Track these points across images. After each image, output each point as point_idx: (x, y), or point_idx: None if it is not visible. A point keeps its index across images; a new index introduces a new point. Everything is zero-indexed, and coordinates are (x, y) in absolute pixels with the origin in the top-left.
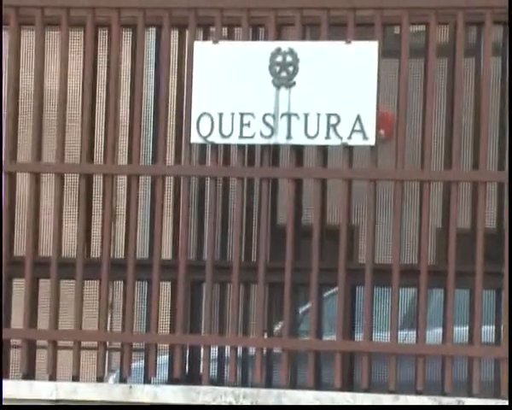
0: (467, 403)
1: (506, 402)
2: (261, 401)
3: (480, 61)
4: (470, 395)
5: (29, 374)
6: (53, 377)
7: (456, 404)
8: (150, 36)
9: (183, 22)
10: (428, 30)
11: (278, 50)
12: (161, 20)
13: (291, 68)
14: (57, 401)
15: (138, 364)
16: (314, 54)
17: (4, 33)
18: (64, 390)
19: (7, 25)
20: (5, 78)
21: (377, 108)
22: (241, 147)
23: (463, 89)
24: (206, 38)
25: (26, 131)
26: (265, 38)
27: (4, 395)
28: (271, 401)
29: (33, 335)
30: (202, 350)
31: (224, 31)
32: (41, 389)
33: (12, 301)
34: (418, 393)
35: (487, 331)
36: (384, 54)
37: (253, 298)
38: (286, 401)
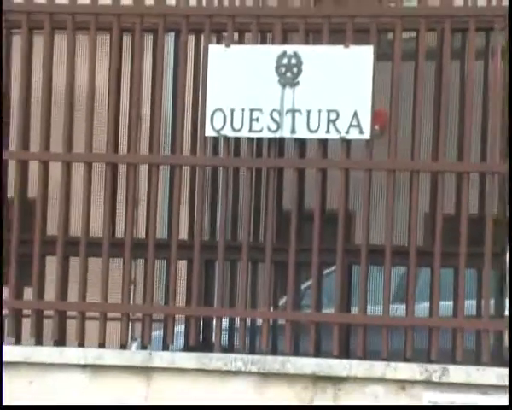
0: (450, 370)
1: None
2: (268, 367)
3: (464, 64)
4: (454, 362)
5: (60, 341)
6: (81, 345)
7: (441, 370)
8: (170, 40)
9: (199, 28)
10: (419, 36)
11: (284, 53)
12: (180, 26)
13: (295, 69)
14: (85, 365)
15: (157, 333)
16: (316, 57)
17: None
18: (91, 356)
19: (40, 29)
20: (43, 78)
21: (372, 106)
22: (250, 140)
23: (449, 88)
24: (219, 42)
25: (58, 126)
26: (272, 42)
27: (38, 360)
28: (276, 367)
29: (64, 307)
30: (214, 321)
31: (236, 36)
32: (70, 355)
33: (45, 277)
34: (407, 360)
35: (469, 305)
36: (379, 57)
37: (260, 275)
38: (289, 367)
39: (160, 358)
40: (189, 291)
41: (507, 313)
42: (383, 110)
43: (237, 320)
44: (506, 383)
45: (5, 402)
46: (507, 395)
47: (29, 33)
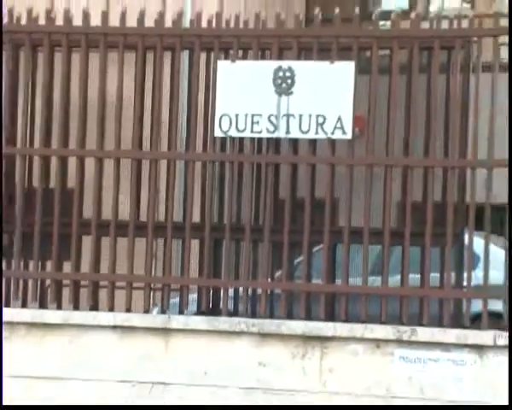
0: (418, 331)
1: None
2: (266, 329)
3: (430, 76)
4: (421, 324)
5: (94, 307)
6: (111, 310)
7: (410, 331)
8: (185, 56)
9: (210, 46)
10: (392, 53)
11: (280, 68)
12: (193, 45)
13: (289, 81)
14: (114, 326)
15: (175, 300)
16: (307, 70)
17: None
18: (120, 319)
19: (77, 47)
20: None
21: (353, 112)
22: (251, 139)
23: (418, 97)
24: (226, 58)
25: (92, 128)
26: (270, 58)
27: (76, 322)
28: (273, 328)
29: (97, 278)
30: (222, 290)
31: (240, 53)
32: (102, 318)
33: (81, 254)
34: (382, 323)
35: (434, 278)
36: (359, 71)
37: (260, 252)
38: (284, 329)
39: (177, 321)
40: (201, 265)
41: (465, 283)
42: (362, 115)
43: (241, 290)
44: (464, 341)
45: (49, 359)
46: (466, 352)
47: (68, 51)
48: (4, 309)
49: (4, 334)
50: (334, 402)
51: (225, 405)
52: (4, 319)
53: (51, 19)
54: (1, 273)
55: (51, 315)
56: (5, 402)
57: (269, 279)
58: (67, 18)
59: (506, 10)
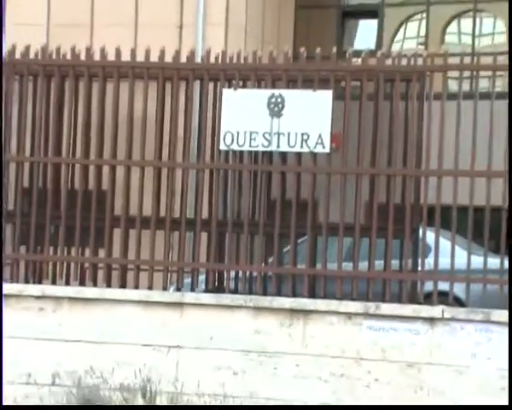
0: (382, 306)
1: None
2: (260, 304)
3: (393, 102)
4: (384, 301)
5: (122, 285)
6: (137, 287)
7: (375, 306)
8: (196, 85)
9: (216, 77)
10: (362, 84)
11: (272, 95)
12: (203, 76)
13: (280, 106)
14: (139, 301)
15: (187, 280)
16: (294, 97)
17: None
18: (143, 294)
19: (110, 77)
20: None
21: (331, 130)
22: (249, 152)
23: (382, 119)
24: (229, 87)
25: (122, 142)
26: (265, 87)
27: (108, 297)
28: (266, 303)
29: (125, 262)
30: (225, 273)
31: (240, 83)
32: (130, 294)
33: (113, 242)
34: (353, 299)
35: (394, 264)
36: (336, 98)
37: (256, 242)
38: (275, 303)
39: (189, 297)
40: (208, 253)
41: (420, 268)
42: (338, 133)
43: (240, 272)
44: (418, 314)
45: (88, 327)
46: (419, 323)
47: (104, 80)
48: (51, 286)
49: (51, 307)
50: (314, 361)
51: (226, 405)
52: (51, 294)
53: (90, 55)
54: (1, 270)
55: (89, 291)
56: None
57: (263, 264)
58: (103, 54)
59: (454, 50)
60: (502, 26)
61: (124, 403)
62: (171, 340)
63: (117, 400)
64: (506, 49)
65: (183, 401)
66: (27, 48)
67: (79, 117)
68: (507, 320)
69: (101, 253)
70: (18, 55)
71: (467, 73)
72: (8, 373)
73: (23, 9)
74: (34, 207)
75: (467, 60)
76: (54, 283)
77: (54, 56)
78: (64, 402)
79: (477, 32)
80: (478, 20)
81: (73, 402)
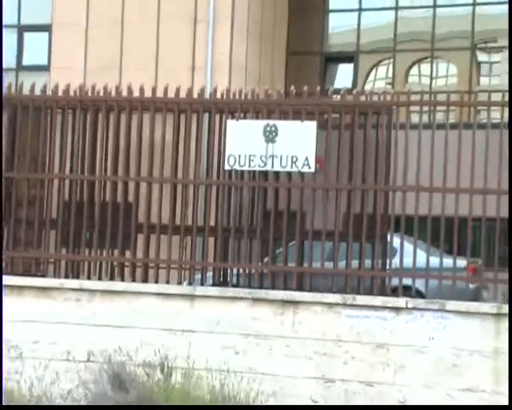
0: (357, 297)
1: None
2: (257, 296)
3: (366, 131)
4: (359, 293)
5: (144, 280)
6: (156, 282)
7: (352, 298)
8: (206, 117)
9: (222, 110)
10: (341, 116)
11: (267, 124)
12: (211, 109)
13: (274, 134)
14: (158, 293)
15: (198, 276)
16: (285, 127)
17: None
18: (162, 288)
19: (135, 109)
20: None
21: (315, 154)
22: (249, 171)
23: (357, 144)
24: (232, 118)
25: (145, 163)
26: (262, 118)
27: (133, 290)
28: (262, 295)
29: (147, 261)
30: (229, 270)
31: (242, 114)
32: (150, 287)
33: (137, 245)
34: (334, 292)
35: (367, 263)
36: (319, 128)
37: (254, 245)
38: (269, 295)
39: (199, 290)
40: (215, 254)
41: (388, 266)
42: (321, 156)
43: (241, 270)
44: (386, 305)
45: (116, 314)
46: (387, 312)
47: (130, 112)
48: (87, 281)
49: (86, 298)
50: (301, 343)
51: (226, 405)
52: (87, 287)
53: (119, 92)
54: (1, 273)
55: (117, 285)
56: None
57: (259, 263)
58: (130, 91)
59: (415, 89)
60: (454, 69)
61: (145, 377)
62: (185, 325)
63: (140, 374)
64: (458, 88)
65: (195, 375)
66: (67, 87)
67: (110, 142)
68: (459, 309)
69: (127, 254)
70: (60, 93)
71: (426, 108)
72: (49, 351)
73: (64, 56)
74: (73, 216)
75: (426, 97)
76: (89, 278)
77: (89, 93)
78: (97, 376)
79: (434, 74)
80: (434, 65)
81: (105, 377)
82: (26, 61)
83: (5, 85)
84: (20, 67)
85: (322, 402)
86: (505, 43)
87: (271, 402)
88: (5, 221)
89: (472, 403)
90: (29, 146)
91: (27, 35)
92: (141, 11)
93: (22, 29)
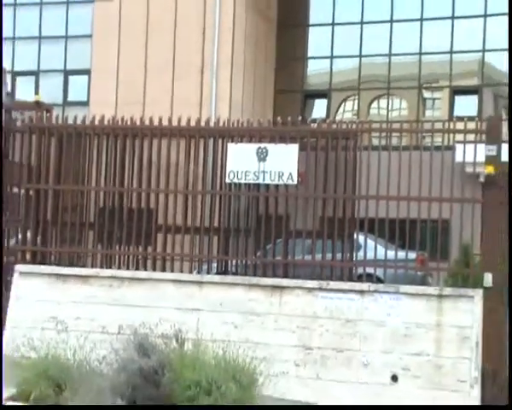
0: (330, 283)
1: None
2: (251, 282)
3: (337, 152)
4: (331, 279)
5: (163, 269)
6: (172, 271)
7: (326, 283)
8: (211, 141)
9: (224, 135)
10: (317, 140)
11: (259, 147)
12: (215, 135)
13: (264, 154)
14: (174, 280)
15: (205, 267)
16: (273, 149)
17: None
18: (176, 276)
19: (155, 136)
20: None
21: (298, 170)
22: (245, 184)
23: (330, 163)
24: (232, 142)
25: (163, 178)
26: (255, 142)
27: (153, 277)
28: (255, 282)
29: (164, 255)
30: (229, 262)
31: (239, 139)
32: (167, 275)
33: (157, 242)
34: (312, 279)
35: (338, 256)
36: (300, 149)
37: (249, 242)
38: (261, 282)
39: (206, 277)
40: (218, 249)
41: (354, 258)
42: (302, 172)
43: (239, 262)
44: (354, 288)
45: (141, 297)
46: (354, 294)
47: (151, 138)
48: (117, 270)
49: (117, 284)
50: (287, 319)
51: (231, 405)
52: (117, 275)
53: (142, 122)
54: (1, 272)
55: (141, 274)
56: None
57: (253, 256)
58: (151, 121)
59: (375, 119)
60: (404, 104)
61: (163, 346)
62: (194, 305)
63: (159, 344)
64: (408, 118)
65: (202, 345)
66: (102, 118)
67: (135, 162)
68: (410, 291)
69: (149, 249)
70: (96, 123)
71: (384, 134)
72: (88, 326)
73: (100, 94)
74: (106, 219)
75: (384, 125)
76: (119, 268)
77: (119, 123)
78: (125, 345)
79: (389, 107)
80: (390, 101)
81: (131, 346)
82: (70, 98)
83: (54, 117)
84: (65, 103)
85: (302, 365)
86: (446, 83)
87: (263, 365)
88: (54, 224)
89: (417, 363)
90: (72, 165)
91: (72, 78)
92: (159, 60)
93: (68, 73)
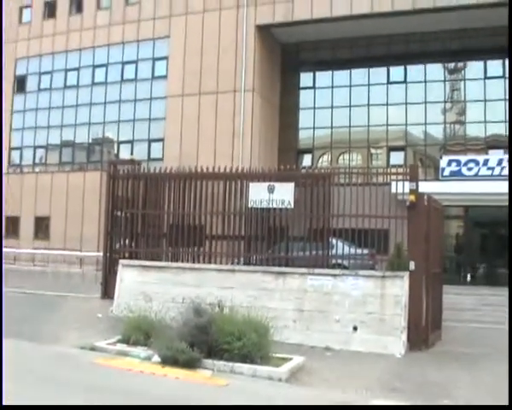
0: (315, 270)
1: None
2: (265, 269)
3: (318, 188)
4: (316, 268)
5: (209, 262)
6: (215, 263)
7: (313, 269)
8: (239, 181)
9: (247, 178)
10: (305, 181)
11: (269, 185)
12: (241, 178)
13: (273, 189)
14: (216, 269)
15: (236, 260)
16: (278, 186)
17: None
18: (218, 266)
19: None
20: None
21: (294, 197)
22: (261, 208)
23: (313, 195)
24: (252, 181)
25: (208, 204)
26: (265, 181)
27: (200, 267)
28: (268, 269)
29: (211, 253)
30: (251, 257)
31: (256, 180)
32: (212, 266)
33: (205, 245)
34: (304, 267)
35: (320, 253)
36: (296, 186)
37: (263, 244)
38: (270, 270)
39: (237, 267)
40: (244, 249)
41: (330, 254)
42: (297, 200)
43: (257, 257)
44: (330, 273)
45: (192, 280)
46: (329, 277)
47: (201, 181)
48: (182, 263)
49: (180, 272)
50: (288, 292)
51: (227, 405)
52: (180, 266)
53: (196, 169)
54: (1, 270)
55: (196, 265)
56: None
57: (266, 253)
58: (201, 169)
59: (342, 166)
60: (359, 157)
61: (210, 310)
62: (229, 284)
63: (208, 309)
64: (362, 165)
65: (235, 310)
66: (171, 168)
67: (191, 195)
68: (365, 274)
69: (201, 249)
70: (168, 171)
71: (347, 176)
72: (163, 298)
73: (170, 151)
74: (174, 231)
75: (347, 170)
76: (182, 262)
77: (181, 170)
78: (186, 309)
79: (351, 159)
80: (351, 155)
81: (190, 310)
82: (152, 156)
83: (142, 168)
84: (149, 159)
85: (298, 321)
86: (384, 144)
87: (274, 320)
88: (142, 235)
89: (369, 319)
90: (153, 197)
91: (153, 144)
92: (206, 131)
93: (151, 141)
